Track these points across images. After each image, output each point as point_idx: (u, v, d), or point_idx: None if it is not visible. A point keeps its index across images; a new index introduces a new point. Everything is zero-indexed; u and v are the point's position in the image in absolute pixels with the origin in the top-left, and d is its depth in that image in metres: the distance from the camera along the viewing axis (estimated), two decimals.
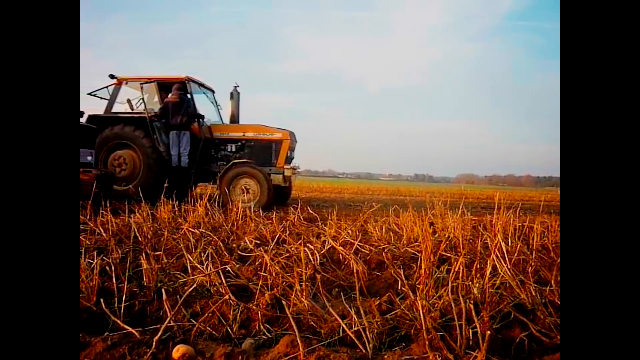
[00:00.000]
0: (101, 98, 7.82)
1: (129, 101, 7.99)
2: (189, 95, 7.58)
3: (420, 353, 1.46)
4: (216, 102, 8.72)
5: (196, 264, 2.37)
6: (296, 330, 1.46)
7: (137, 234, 3.31)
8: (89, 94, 7.67)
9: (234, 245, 3.27)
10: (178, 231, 3.62)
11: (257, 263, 2.68)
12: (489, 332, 1.41)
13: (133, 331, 1.57)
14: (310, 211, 5.17)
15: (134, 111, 7.89)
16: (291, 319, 1.55)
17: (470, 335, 1.54)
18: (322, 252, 2.86)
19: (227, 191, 7.03)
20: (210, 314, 1.76)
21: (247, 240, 3.23)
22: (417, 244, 3.18)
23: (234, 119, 8.28)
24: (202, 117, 7.74)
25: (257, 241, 3.29)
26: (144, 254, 2.41)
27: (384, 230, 3.85)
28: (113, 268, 2.21)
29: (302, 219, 4.54)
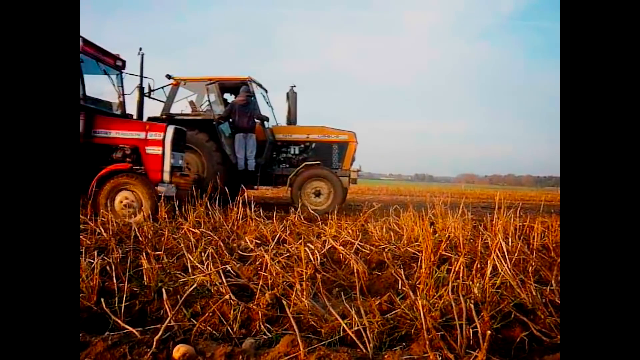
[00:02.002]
0: (153, 99, 7.32)
1: (191, 103, 7.68)
2: (252, 97, 7.32)
3: (420, 352, 1.46)
4: (270, 103, 8.38)
5: (197, 264, 2.37)
6: (297, 330, 1.46)
7: (138, 234, 3.31)
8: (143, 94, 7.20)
9: (235, 245, 3.27)
10: (178, 231, 3.62)
11: (257, 263, 2.68)
12: (489, 331, 1.41)
13: (133, 331, 1.57)
14: (311, 211, 5.17)
15: (196, 113, 7.52)
16: (292, 319, 1.55)
17: (471, 334, 1.54)
18: (322, 251, 2.86)
19: (298, 194, 6.91)
20: (210, 314, 1.76)
21: (247, 240, 3.23)
22: (417, 243, 3.18)
23: (291, 120, 7.97)
24: (267, 119, 7.52)
25: (258, 241, 3.29)
26: (144, 254, 2.41)
27: (384, 230, 3.85)
28: (113, 268, 2.21)
29: (302, 218, 4.54)
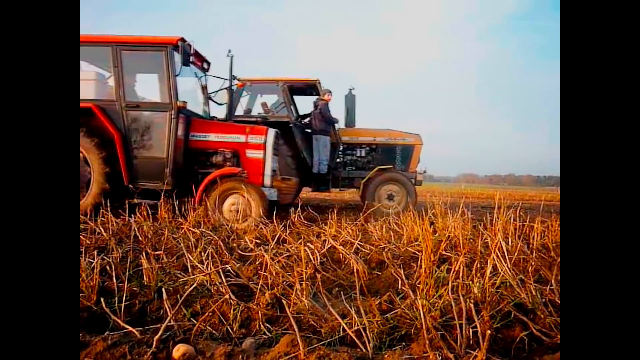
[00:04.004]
0: (215, 101, 6.97)
1: (264, 105, 7.51)
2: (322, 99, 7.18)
3: (420, 352, 1.46)
4: None
5: (196, 264, 2.37)
6: (296, 330, 1.46)
7: (138, 234, 3.31)
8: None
9: (235, 244, 3.27)
10: (178, 230, 3.62)
11: (257, 262, 2.68)
12: (489, 331, 1.41)
13: (133, 330, 1.57)
14: (311, 211, 5.17)
15: (267, 115, 7.31)
16: (291, 319, 1.55)
17: (471, 334, 1.54)
18: (322, 251, 2.86)
19: (373, 197, 6.87)
20: (210, 314, 1.76)
21: (247, 240, 3.23)
22: (417, 243, 3.18)
23: (349, 122, 7.77)
24: (337, 121, 7.43)
25: (258, 240, 3.29)
26: (144, 254, 2.41)
27: (384, 229, 3.85)
28: (113, 267, 2.21)
29: (302, 218, 4.54)
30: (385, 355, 1.44)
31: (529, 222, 3.70)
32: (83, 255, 2.43)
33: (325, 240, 3.13)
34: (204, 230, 3.49)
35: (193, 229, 3.51)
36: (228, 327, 1.71)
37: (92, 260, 2.21)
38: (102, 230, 3.42)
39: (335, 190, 7.94)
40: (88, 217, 3.89)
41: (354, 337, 1.54)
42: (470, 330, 1.54)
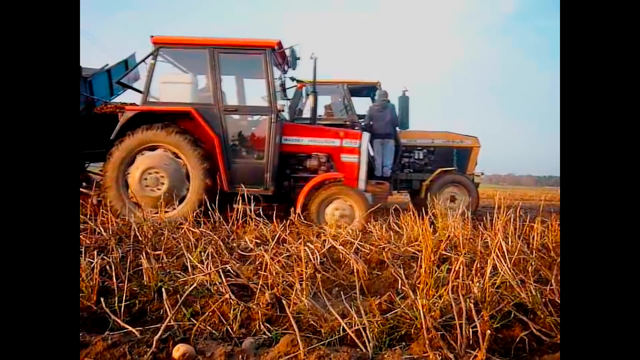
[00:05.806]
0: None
1: (327, 107, 7.39)
2: (389, 101, 7.07)
3: (420, 352, 1.46)
4: None
5: (196, 263, 2.37)
6: (296, 330, 1.46)
7: (138, 233, 3.31)
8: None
9: (234, 244, 3.27)
10: (178, 230, 3.62)
11: (257, 262, 2.68)
12: (489, 331, 1.41)
13: (133, 330, 1.57)
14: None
15: (334, 118, 7.19)
16: (291, 318, 1.55)
17: (471, 334, 1.54)
18: (322, 251, 2.86)
19: (434, 200, 6.87)
20: (210, 313, 1.76)
21: (247, 240, 3.23)
22: (417, 243, 3.18)
23: (404, 124, 7.58)
24: (399, 124, 7.28)
25: (258, 240, 3.29)
26: (144, 253, 2.41)
27: (384, 229, 3.85)
28: (113, 267, 2.21)
29: (302, 218, 4.54)
30: (385, 355, 1.44)
31: (529, 222, 3.70)
32: (83, 255, 2.43)
33: (325, 240, 3.13)
34: (203, 230, 3.48)
35: (193, 229, 3.51)
36: (228, 327, 1.72)
37: (92, 260, 2.21)
38: (102, 230, 3.42)
39: (395, 193, 7.86)
40: (186, 222, 3.77)
41: (354, 337, 1.54)
42: (470, 330, 1.54)
